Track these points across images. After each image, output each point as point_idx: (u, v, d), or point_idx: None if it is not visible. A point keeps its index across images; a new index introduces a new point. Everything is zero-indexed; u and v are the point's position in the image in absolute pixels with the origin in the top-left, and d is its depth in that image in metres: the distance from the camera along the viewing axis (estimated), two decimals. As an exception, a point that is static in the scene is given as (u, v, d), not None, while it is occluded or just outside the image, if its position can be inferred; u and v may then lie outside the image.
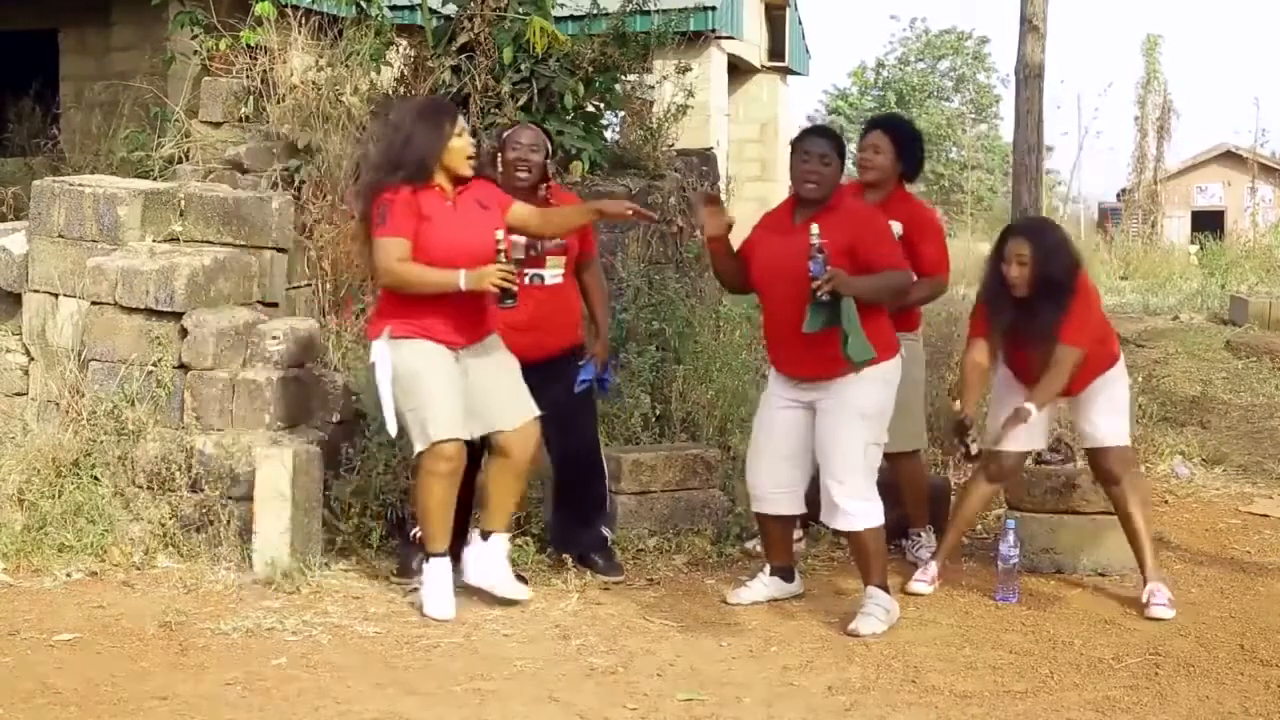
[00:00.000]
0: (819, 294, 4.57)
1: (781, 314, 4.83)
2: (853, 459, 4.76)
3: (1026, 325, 4.99)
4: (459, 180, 4.81)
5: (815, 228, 4.62)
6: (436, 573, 4.86)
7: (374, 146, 4.95)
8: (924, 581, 5.23)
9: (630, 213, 4.91)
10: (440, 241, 4.70)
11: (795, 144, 4.91)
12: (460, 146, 4.76)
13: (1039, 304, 4.94)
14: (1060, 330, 4.92)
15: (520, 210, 4.89)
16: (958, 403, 5.24)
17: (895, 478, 5.57)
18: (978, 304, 5.20)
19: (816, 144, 4.86)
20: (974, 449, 5.03)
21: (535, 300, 5.09)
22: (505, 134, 5.31)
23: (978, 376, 5.12)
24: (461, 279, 4.64)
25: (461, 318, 4.78)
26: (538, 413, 4.94)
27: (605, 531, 5.45)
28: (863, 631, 4.72)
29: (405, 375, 4.73)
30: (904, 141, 5.56)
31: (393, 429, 4.80)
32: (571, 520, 5.37)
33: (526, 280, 5.01)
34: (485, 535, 4.97)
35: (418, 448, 4.77)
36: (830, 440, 4.79)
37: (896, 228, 5.22)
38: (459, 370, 4.81)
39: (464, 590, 4.97)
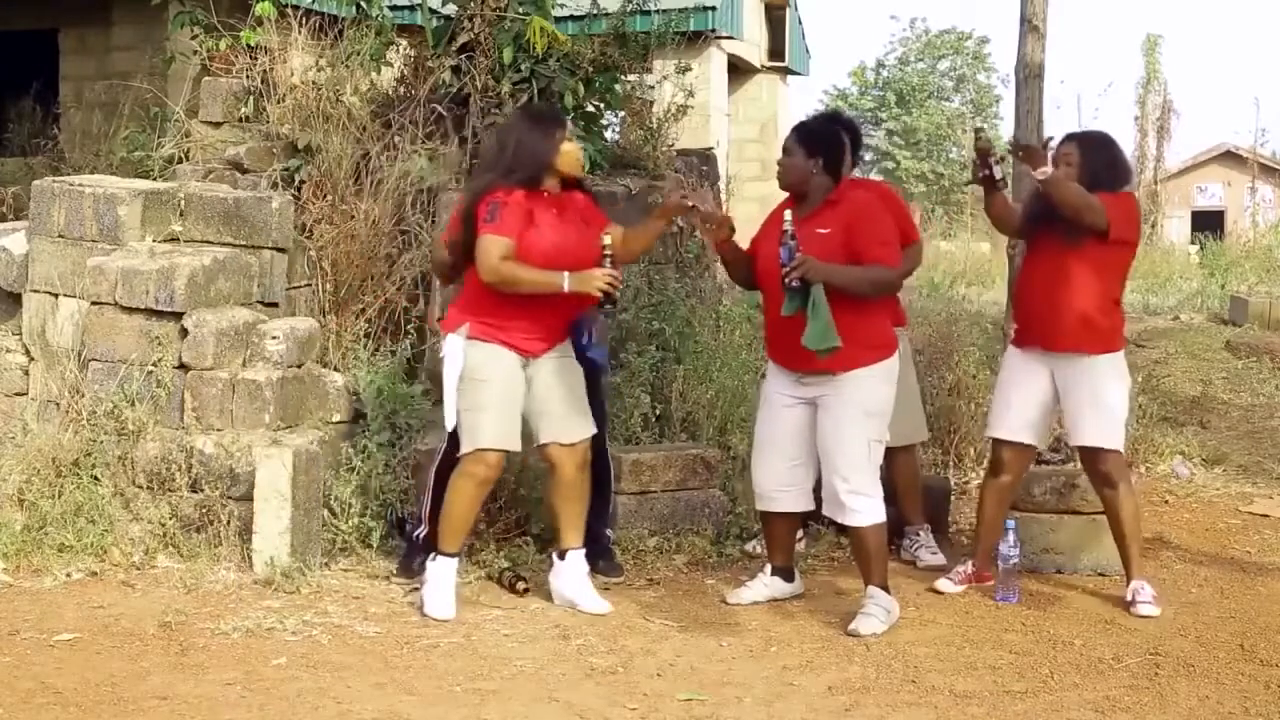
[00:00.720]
0: (788, 280, 4.62)
1: (773, 310, 4.87)
2: (857, 456, 4.77)
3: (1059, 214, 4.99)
4: (565, 186, 4.91)
5: (788, 214, 4.70)
6: (443, 572, 4.87)
7: (487, 152, 5.01)
8: (952, 581, 5.23)
9: (690, 205, 4.90)
10: (547, 246, 4.75)
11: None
12: (571, 150, 4.88)
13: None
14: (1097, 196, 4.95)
15: (614, 232, 4.90)
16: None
17: (889, 473, 5.56)
18: (1024, 213, 5.26)
19: (786, 138, 5.01)
20: (998, 172, 5.09)
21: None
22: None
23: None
24: (566, 281, 4.68)
25: (541, 325, 4.85)
26: (593, 431, 5.00)
27: (607, 532, 5.43)
28: (863, 631, 4.72)
29: (472, 376, 4.78)
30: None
31: (451, 423, 4.85)
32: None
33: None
34: (562, 554, 5.01)
35: (465, 448, 4.82)
36: (834, 437, 4.80)
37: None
38: (524, 379, 4.86)
39: (463, 591, 4.98)
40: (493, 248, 4.70)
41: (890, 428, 5.27)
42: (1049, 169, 4.91)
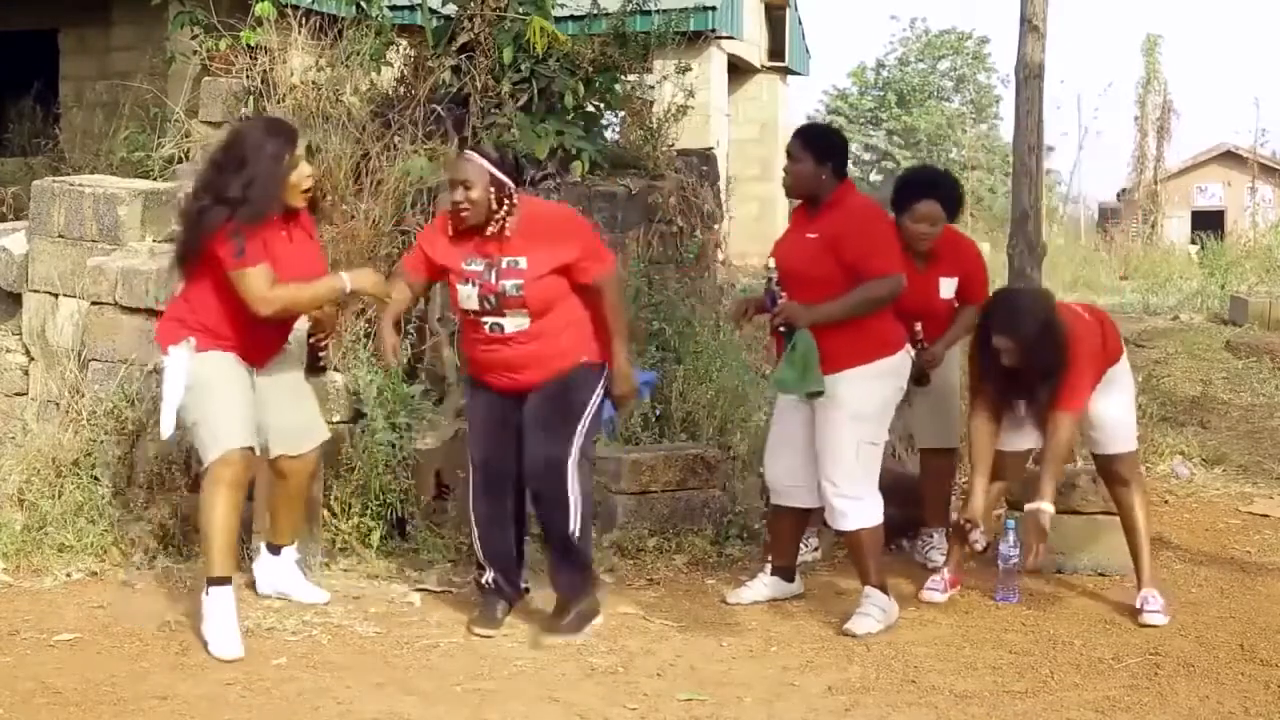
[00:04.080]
0: (776, 326, 4.73)
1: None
2: (844, 459, 4.77)
3: (1022, 394, 4.95)
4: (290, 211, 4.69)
5: (772, 262, 4.79)
6: (222, 603, 4.51)
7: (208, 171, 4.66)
8: (936, 590, 5.18)
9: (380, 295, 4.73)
10: (288, 277, 4.57)
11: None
12: (299, 179, 4.62)
13: (1033, 380, 4.86)
14: (1056, 399, 4.85)
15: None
16: (963, 502, 5.18)
17: (923, 473, 5.65)
18: (972, 376, 5.11)
19: (791, 143, 4.96)
20: (979, 545, 5.02)
21: (500, 347, 4.65)
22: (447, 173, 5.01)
23: (985, 443, 5.04)
24: (347, 282, 4.63)
25: (261, 338, 4.68)
26: (325, 438, 4.96)
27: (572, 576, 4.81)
28: (858, 632, 4.72)
29: (202, 384, 4.57)
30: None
31: (169, 431, 4.60)
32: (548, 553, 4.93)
33: (487, 329, 4.63)
34: (274, 549, 5.00)
35: (210, 457, 4.54)
36: (821, 440, 4.82)
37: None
38: (252, 384, 4.70)
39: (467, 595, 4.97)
40: (257, 281, 4.47)
41: (928, 429, 5.30)
42: (1048, 510, 4.83)
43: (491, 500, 4.76)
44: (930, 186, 5.43)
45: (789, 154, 4.95)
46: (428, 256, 4.73)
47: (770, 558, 5.19)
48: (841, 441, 4.77)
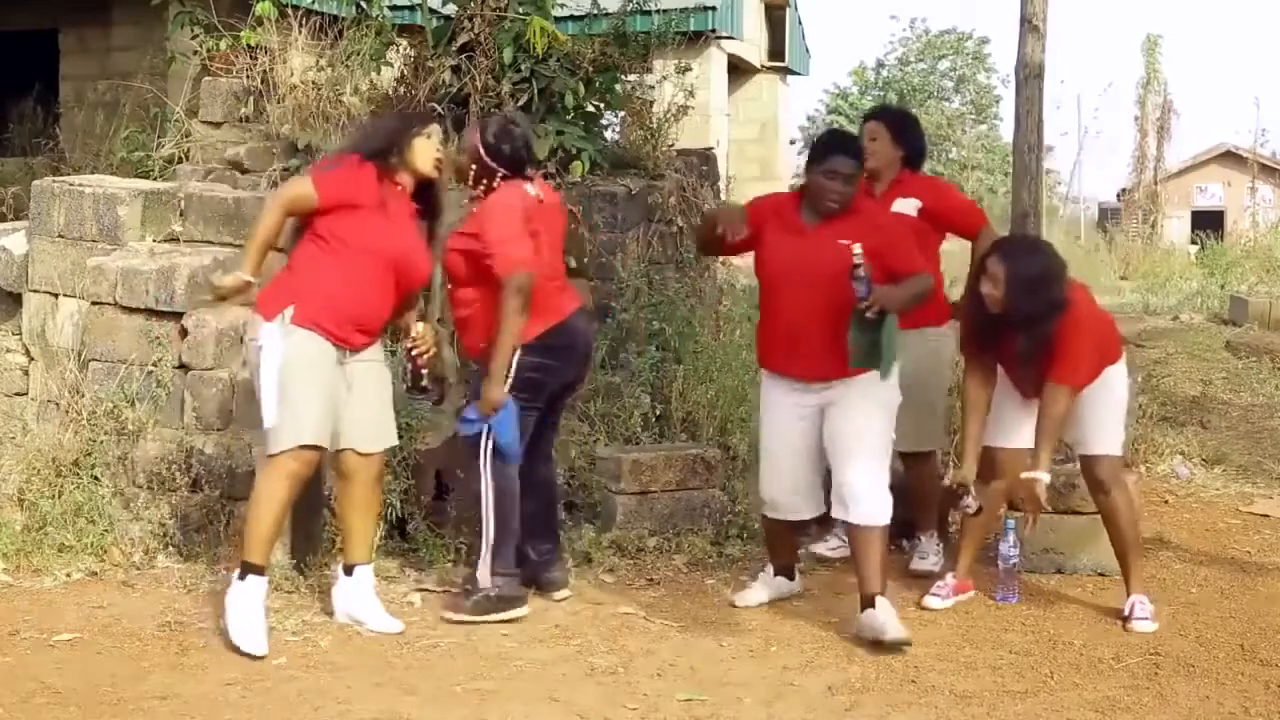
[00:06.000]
0: (868, 314, 4.51)
1: (795, 317, 4.75)
2: (878, 450, 4.70)
3: (1013, 351, 4.88)
4: (421, 189, 4.73)
5: (858, 248, 4.52)
6: (252, 594, 4.45)
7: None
8: (939, 596, 5.12)
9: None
10: (386, 240, 4.57)
11: (820, 157, 4.77)
12: (426, 147, 4.67)
13: (1019, 333, 4.80)
14: (1051, 369, 4.80)
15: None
16: (957, 462, 5.15)
17: (907, 478, 5.54)
18: (964, 326, 5.09)
19: (844, 164, 4.74)
20: (973, 508, 4.98)
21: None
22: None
23: (977, 398, 4.99)
24: (234, 276, 4.54)
25: (369, 314, 4.59)
26: (393, 442, 4.83)
27: (538, 547, 5.04)
28: (904, 635, 4.57)
29: (291, 365, 4.43)
30: (902, 130, 5.63)
31: (271, 420, 4.45)
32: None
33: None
34: (349, 570, 4.77)
35: (283, 445, 4.45)
36: (852, 433, 4.69)
37: (914, 204, 5.41)
38: (340, 375, 4.58)
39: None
40: (301, 185, 4.59)
41: (917, 430, 5.26)
42: (1044, 479, 4.80)
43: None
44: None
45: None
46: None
47: (769, 559, 5.18)
48: (873, 432, 4.70)
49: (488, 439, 4.75)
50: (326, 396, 4.52)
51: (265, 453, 4.57)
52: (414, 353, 4.80)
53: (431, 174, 4.72)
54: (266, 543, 4.51)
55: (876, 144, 5.48)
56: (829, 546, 5.67)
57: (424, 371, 4.82)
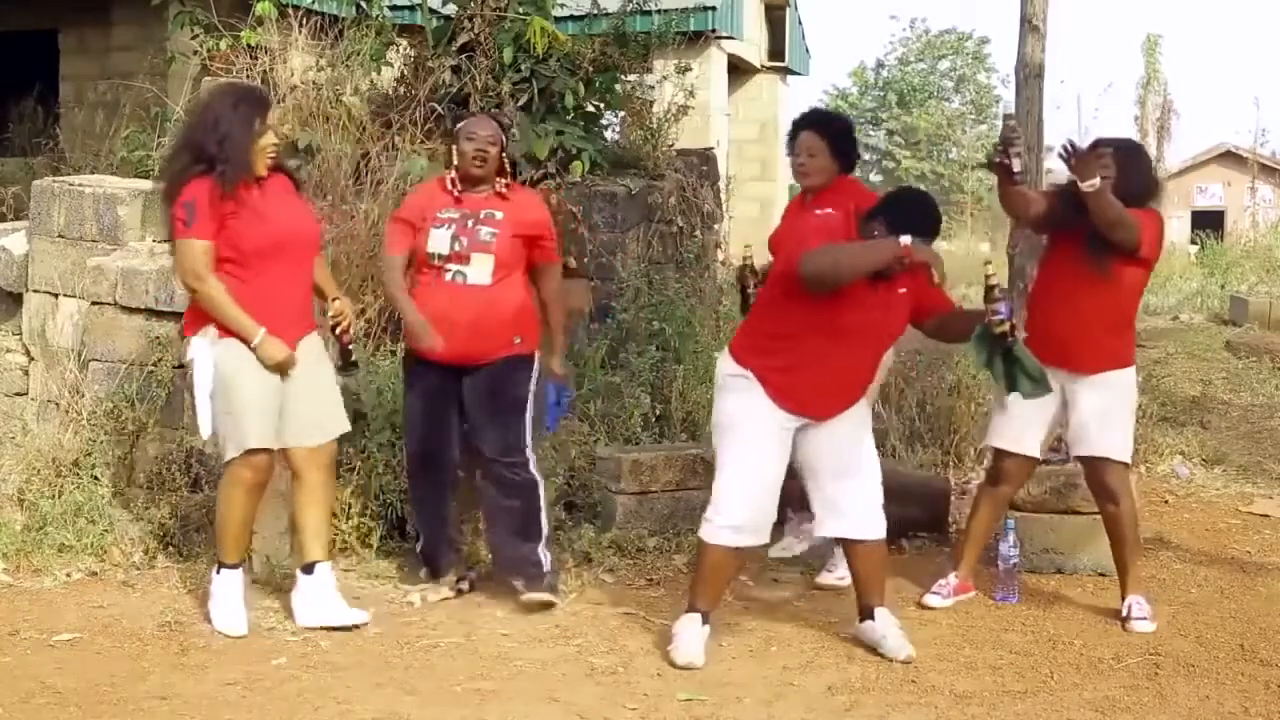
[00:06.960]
0: (1011, 336, 4.44)
1: (845, 365, 4.48)
2: (873, 464, 4.62)
3: (1085, 233, 4.79)
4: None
5: (991, 267, 4.45)
6: (229, 585, 4.66)
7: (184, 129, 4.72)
8: (940, 595, 5.11)
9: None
10: (271, 229, 4.53)
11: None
12: (267, 143, 4.57)
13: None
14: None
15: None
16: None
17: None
18: (1048, 211, 5.01)
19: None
20: (1017, 165, 4.85)
21: (455, 298, 4.81)
22: (461, 125, 5.03)
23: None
24: (259, 337, 4.48)
25: (283, 316, 4.57)
26: (344, 430, 4.82)
27: (542, 553, 4.97)
28: (912, 653, 4.52)
29: (227, 375, 4.49)
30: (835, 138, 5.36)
31: (207, 432, 4.57)
32: (504, 538, 5.02)
33: (448, 277, 4.82)
34: (308, 569, 4.72)
35: (232, 454, 4.53)
36: (853, 453, 4.57)
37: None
38: (276, 376, 4.58)
39: (462, 591, 4.97)
40: (195, 254, 4.45)
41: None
42: (1097, 181, 4.64)
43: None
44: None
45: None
46: (406, 220, 4.95)
47: (698, 602, 4.56)
48: (870, 450, 4.63)
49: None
50: (265, 399, 4.56)
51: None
52: (337, 330, 4.82)
53: (265, 172, 4.60)
54: (235, 542, 4.68)
55: (816, 160, 5.23)
56: (835, 576, 5.34)
57: (351, 347, 4.88)
